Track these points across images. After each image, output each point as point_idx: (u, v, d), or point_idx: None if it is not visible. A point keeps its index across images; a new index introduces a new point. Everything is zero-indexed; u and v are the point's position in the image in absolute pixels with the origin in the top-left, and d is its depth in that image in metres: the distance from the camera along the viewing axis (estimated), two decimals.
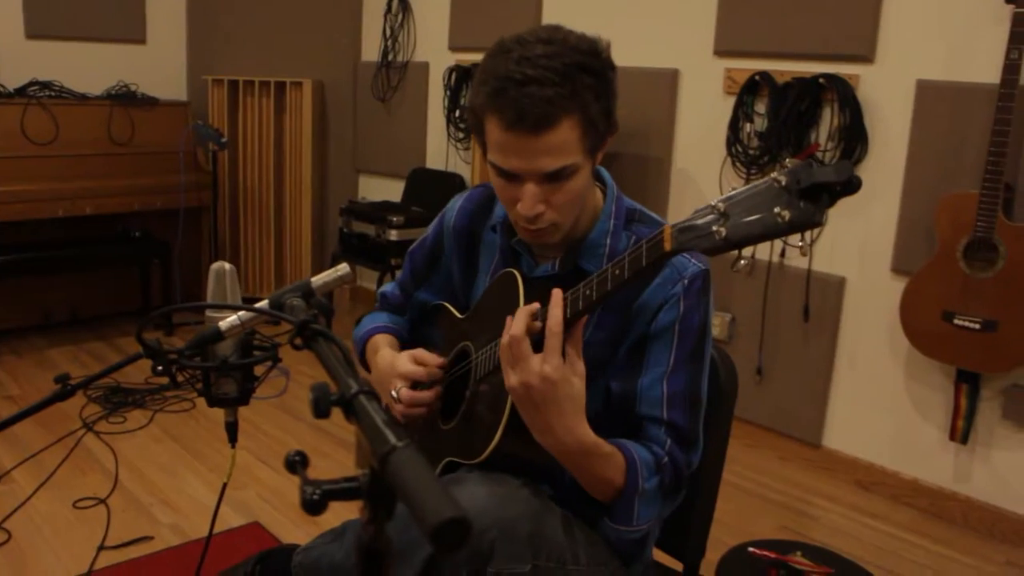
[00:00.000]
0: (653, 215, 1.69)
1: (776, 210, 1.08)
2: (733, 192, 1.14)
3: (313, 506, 0.78)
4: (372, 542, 0.81)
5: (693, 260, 1.56)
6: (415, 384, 1.70)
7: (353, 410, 0.84)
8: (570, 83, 1.41)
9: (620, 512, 1.50)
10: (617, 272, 1.27)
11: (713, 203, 1.15)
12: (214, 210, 5.04)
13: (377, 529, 0.81)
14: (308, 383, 4.27)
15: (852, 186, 1.05)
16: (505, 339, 1.38)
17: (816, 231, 3.56)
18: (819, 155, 3.40)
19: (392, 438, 0.75)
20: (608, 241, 1.62)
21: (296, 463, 0.85)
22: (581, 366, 1.37)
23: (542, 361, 1.33)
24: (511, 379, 1.35)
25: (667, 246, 1.20)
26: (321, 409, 0.87)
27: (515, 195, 1.50)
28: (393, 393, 1.69)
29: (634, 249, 1.25)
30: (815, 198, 1.07)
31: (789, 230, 1.09)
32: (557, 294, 1.36)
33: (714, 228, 1.14)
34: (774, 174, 1.10)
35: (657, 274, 1.55)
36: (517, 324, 1.37)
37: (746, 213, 1.12)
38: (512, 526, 1.40)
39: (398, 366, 1.71)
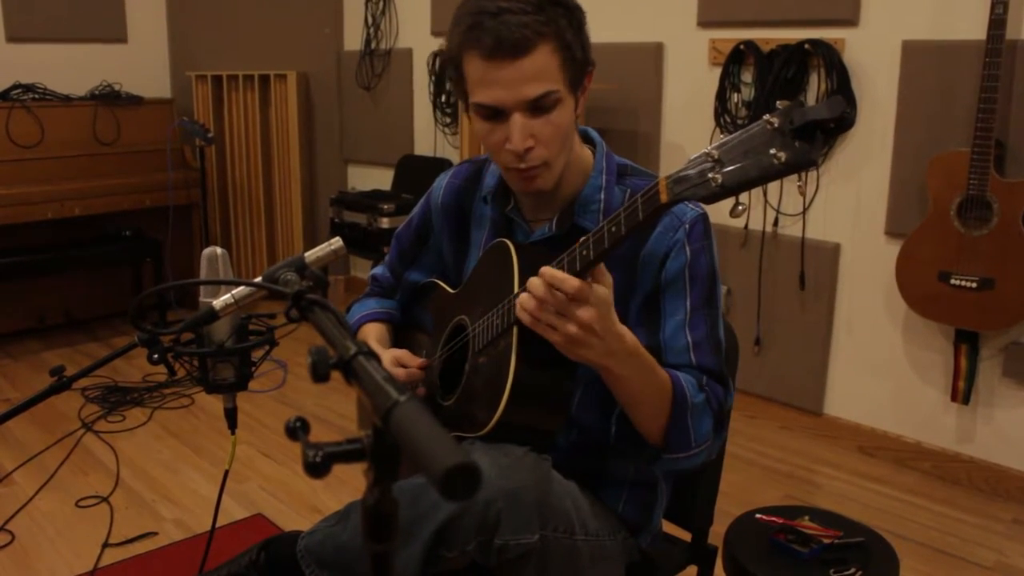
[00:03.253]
0: (644, 169, 1.69)
1: (772, 152, 1.07)
2: (726, 138, 1.13)
3: (315, 468, 0.77)
4: (378, 504, 0.79)
5: (691, 205, 1.55)
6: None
7: (353, 371, 0.83)
8: (543, 12, 1.44)
9: (676, 435, 1.47)
10: (614, 229, 1.25)
11: (707, 150, 1.13)
12: (204, 206, 5.01)
13: (382, 491, 0.80)
14: (306, 375, 4.27)
15: (845, 121, 1.04)
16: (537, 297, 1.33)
17: (809, 197, 3.55)
18: None
19: (394, 393, 0.74)
20: (602, 196, 1.61)
21: (297, 429, 0.83)
22: (607, 279, 1.34)
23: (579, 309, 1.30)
24: (569, 329, 1.31)
25: (663, 198, 1.18)
26: (320, 372, 0.85)
27: (502, 135, 1.50)
28: None
29: (629, 204, 1.23)
30: (809, 137, 1.06)
31: (785, 171, 1.07)
32: (546, 271, 1.32)
33: (710, 175, 1.12)
34: (766, 117, 1.09)
35: (656, 225, 1.54)
36: (540, 286, 1.32)
37: (741, 158, 1.10)
38: (518, 496, 1.39)
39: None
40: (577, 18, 1.50)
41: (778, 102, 1.09)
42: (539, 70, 1.45)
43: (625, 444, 1.53)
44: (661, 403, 1.45)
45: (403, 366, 1.71)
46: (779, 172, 1.07)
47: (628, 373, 1.40)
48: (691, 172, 1.15)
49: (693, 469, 1.52)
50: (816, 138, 1.05)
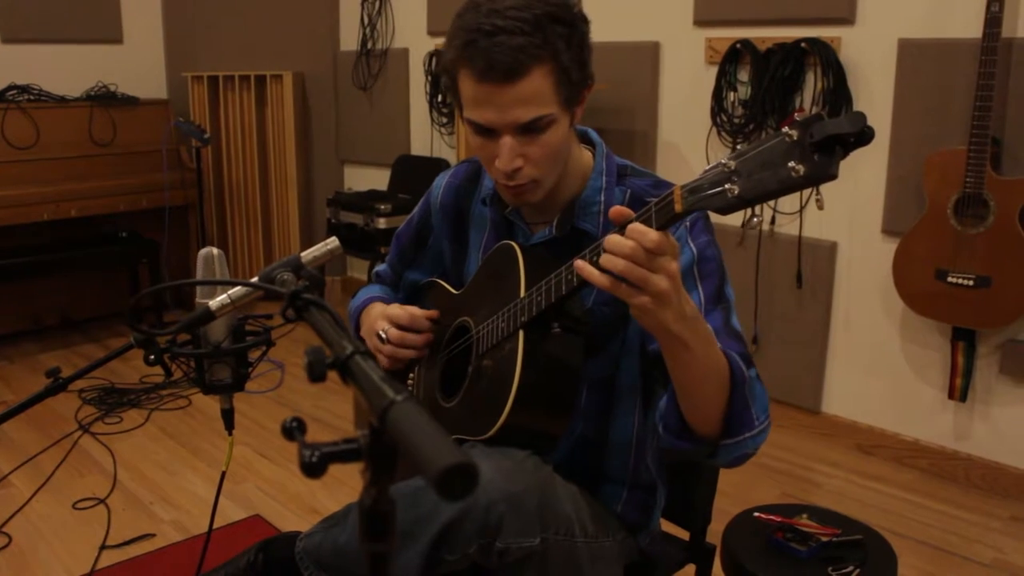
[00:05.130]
0: (645, 169, 1.68)
1: (790, 164, 1.06)
2: (742, 149, 1.12)
3: (311, 468, 0.76)
4: (375, 504, 0.79)
5: None
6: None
7: (349, 371, 0.83)
8: (540, 32, 1.40)
9: (739, 413, 1.38)
10: None
11: (723, 161, 1.12)
12: (200, 207, 5.01)
13: (380, 491, 0.79)
14: (303, 376, 4.26)
15: (866, 136, 1.03)
16: (630, 252, 1.20)
17: (806, 195, 3.55)
18: None
19: (390, 392, 0.74)
20: (602, 198, 1.60)
21: (294, 429, 0.83)
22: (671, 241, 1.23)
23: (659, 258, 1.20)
24: (661, 284, 1.20)
25: (678, 207, 1.17)
26: (317, 372, 0.85)
27: (493, 152, 1.49)
28: (381, 334, 1.69)
29: (643, 212, 1.21)
30: (829, 150, 1.05)
31: (804, 184, 1.06)
32: (633, 227, 1.21)
33: (726, 186, 1.11)
34: (785, 129, 1.08)
35: None
36: (633, 235, 1.20)
37: (759, 169, 1.09)
38: (520, 499, 1.38)
39: (387, 310, 1.73)
40: (579, 34, 1.46)
41: (796, 113, 1.08)
42: (531, 95, 1.42)
43: (679, 439, 1.44)
44: (722, 379, 1.35)
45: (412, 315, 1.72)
46: (797, 185, 1.06)
47: (695, 342, 1.28)
48: (707, 181, 1.14)
49: (750, 454, 1.43)
50: (835, 152, 1.04)
